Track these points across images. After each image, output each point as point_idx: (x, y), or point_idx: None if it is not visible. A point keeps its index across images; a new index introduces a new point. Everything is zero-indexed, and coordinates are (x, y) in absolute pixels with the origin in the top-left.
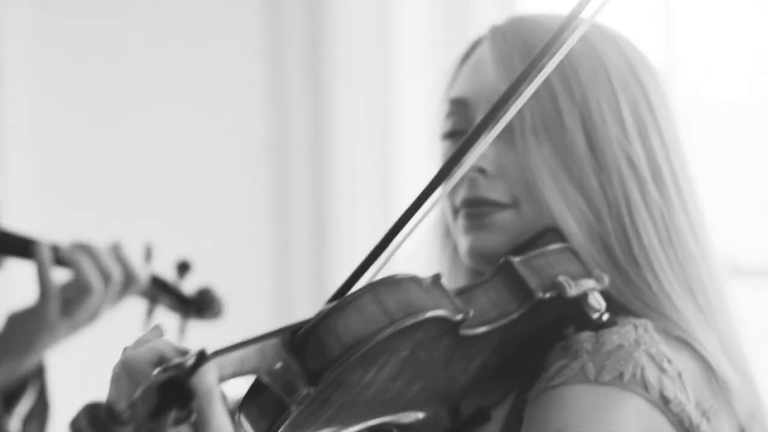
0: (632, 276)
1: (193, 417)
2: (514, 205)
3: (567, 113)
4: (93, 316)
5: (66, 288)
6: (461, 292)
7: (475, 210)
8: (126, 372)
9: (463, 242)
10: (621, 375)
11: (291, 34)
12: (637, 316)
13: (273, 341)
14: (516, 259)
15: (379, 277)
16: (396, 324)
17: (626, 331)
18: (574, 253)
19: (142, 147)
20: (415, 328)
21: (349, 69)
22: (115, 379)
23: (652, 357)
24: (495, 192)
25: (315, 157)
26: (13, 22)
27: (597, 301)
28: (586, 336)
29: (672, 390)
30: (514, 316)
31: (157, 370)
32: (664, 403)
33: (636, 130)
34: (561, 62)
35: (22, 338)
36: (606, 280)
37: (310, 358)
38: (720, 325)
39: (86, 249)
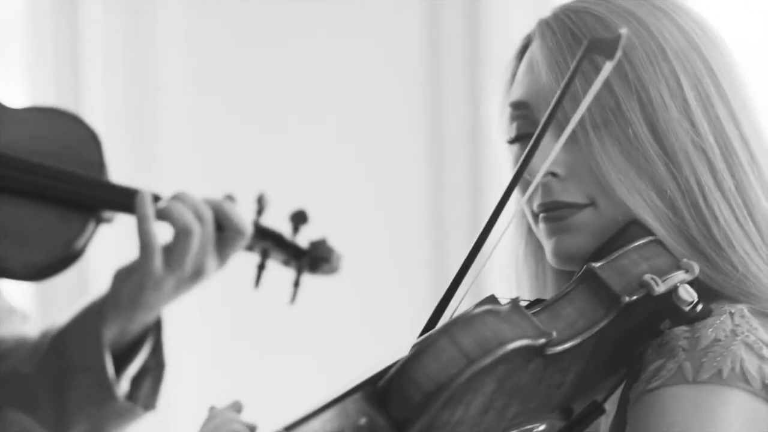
0: (717, 260)
1: None
2: (592, 204)
3: (625, 102)
4: (198, 269)
5: (169, 243)
6: (545, 307)
7: (553, 214)
8: None
9: (548, 246)
10: (720, 372)
11: (449, 34)
12: (732, 300)
13: (354, 397)
14: (598, 265)
15: (466, 298)
16: (474, 363)
17: (722, 322)
18: (660, 245)
19: (301, 148)
20: (497, 363)
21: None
22: None
23: (750, 346)
24: (570, 194)
25: (472, 155)
26: (168, 24)
27: (688, 293)
28: (681, 331)
29: None
30: (603, 323)
31: None
32: (767, 392)
33: (701, 106)
34: None
35: (129, 294)
36: (696, 268)
37: (394, 410)
38: None
39: (181, 196)
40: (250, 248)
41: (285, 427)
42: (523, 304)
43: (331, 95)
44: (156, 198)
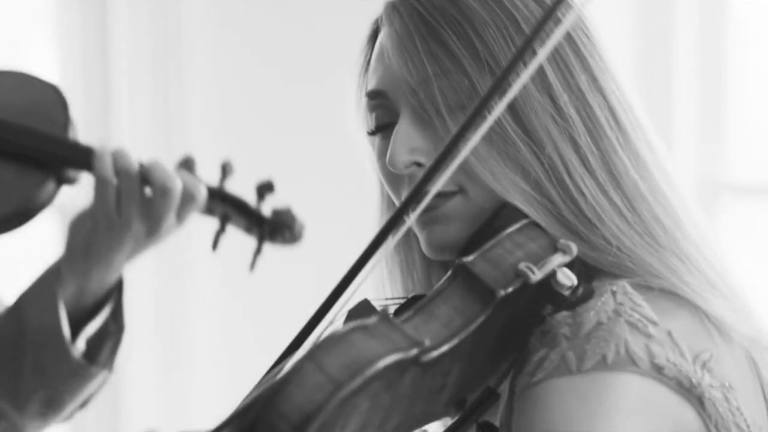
0: (591, 237)
1: None
2: (461, 191)
3: (479, 83)
4: (153, 227)
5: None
6: (418, 310)
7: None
8: None
9: (422, 238)
10: (604, 357)
11: None
12: (613, 276)
13: None
14: (470, 259)
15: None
16: (342, 388)
17: (604, 303)
18: (536, 227)
19: (327, 148)
20: (367, 384)
21: None
22: None
23: (634, 326)
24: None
25: None
26: (193, 20)
27: (567, 277)
28: (563, 317)
29: (663, 355)
30: (480, 320)
31: None
32: (657, 371)
33: (560, 78)
34: (457, 21)
35: (82, 243)
36: (574, 249)
37: None
38: (694, 256)
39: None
40: (209, 212)
41: None
42: (395, 307)
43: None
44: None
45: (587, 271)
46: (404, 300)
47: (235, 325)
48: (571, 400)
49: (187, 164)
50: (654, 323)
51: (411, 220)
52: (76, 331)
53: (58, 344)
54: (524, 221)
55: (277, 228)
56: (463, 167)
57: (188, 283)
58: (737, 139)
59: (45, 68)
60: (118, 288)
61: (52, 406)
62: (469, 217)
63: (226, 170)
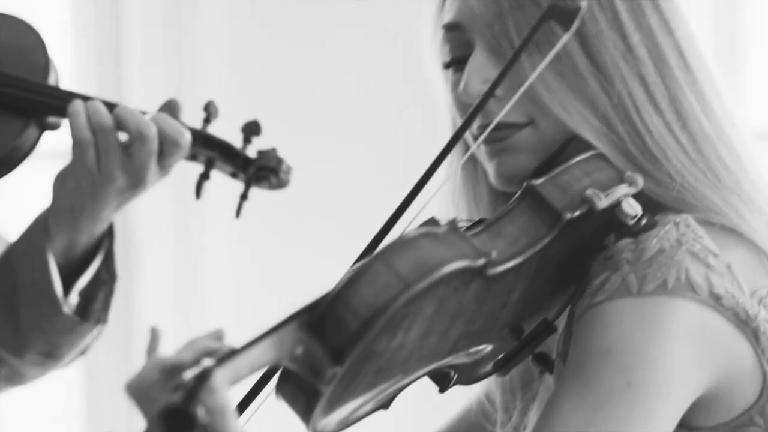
0: (655, 173)
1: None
2: (531, 123)
3: None
4: (137, 178)
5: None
6: (486, 228)
7: (493, 134)
8: (134, 398)
9: (490, 168)
10: (665, 282)
11: None
12: (677, 212)
13: (290, 327)
14: (538, 182)
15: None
16: (411, 287)
17: (666, 232)
18: (603, 159)
19: (338, 97)
20: (434, 286)
21: None
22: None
23: (695, 255)
24: (509, 114)
25: None
26: (208, 18)
27: (632, 207)
28: (625, 244)
29: (721, 285)
30: (546, 241)
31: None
32: (715, 300)
33: (632, 18)
34: None
35: (66, 200)
36: (639, 181)
37: (330, 338)
38: (754, 196)
39: (114, 105)
40: (193, 158)
41: (218, 359)
42: (463, 225)
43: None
44: (88, 99)
45: (651, 206)
46: (470, 222)
47: (249, 272)
48: (630, 321)
49: (169, 107)
50: (714, 255)
51: (478, 143)
52: (69, 284)
53: (50, 301)
54: (592, 152)
55: (262, 171)
56: (534, 99)
57: (204, 231)
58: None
59: (56, 17)
60: (108, 236)
61: (50, 357)
62: (538, 148)
63: (209, 112)
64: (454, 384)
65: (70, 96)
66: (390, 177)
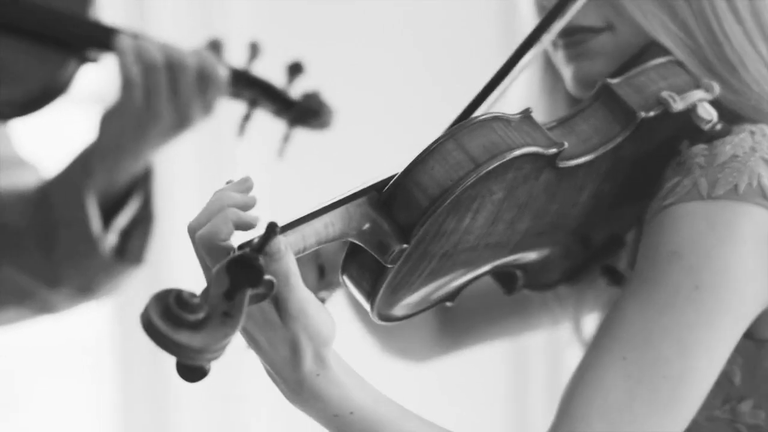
0: (732, 81)
1: (273, 292)
2: (609, 27)
3: None
4: (182, 115)
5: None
6: (560, 123)
7: (572, 39)
8: (202, 248)
9: (567, 73)
10: (736, 187)
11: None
12: (753, 122)
13: (358, 201)
14: (614, 81)
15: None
16: (481, 167)
17: (741, 139)
18: (680, 65)
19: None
20: (504, 169)
21: None
22: (196, 255)
23: None
24: (588, 18)
25: None
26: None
27: (707, 111)
28: (698, 149)
29: None
30: (619, 139)
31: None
32: None
33: None
34: None
35: (112, 137)
36: (716, 88)
37: (398, 214)
38: None
39: (157, 42)
40: (237, 96)
41: (285, 225)
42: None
43: None
44: (135, 37)
45: (727, 114)
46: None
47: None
48: (700, 224)
49: (214, 46)
50: None
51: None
52: (105, 222)
53: (88, 239)
54: (669, 58)
55: (306, 113)
56: (613, 2)
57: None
58: None
59: None
60: (147, 177)
61: (84, 291)
62: (616, 53)
63: (254, 51)
64: (520, 288)
65: (113, 31)
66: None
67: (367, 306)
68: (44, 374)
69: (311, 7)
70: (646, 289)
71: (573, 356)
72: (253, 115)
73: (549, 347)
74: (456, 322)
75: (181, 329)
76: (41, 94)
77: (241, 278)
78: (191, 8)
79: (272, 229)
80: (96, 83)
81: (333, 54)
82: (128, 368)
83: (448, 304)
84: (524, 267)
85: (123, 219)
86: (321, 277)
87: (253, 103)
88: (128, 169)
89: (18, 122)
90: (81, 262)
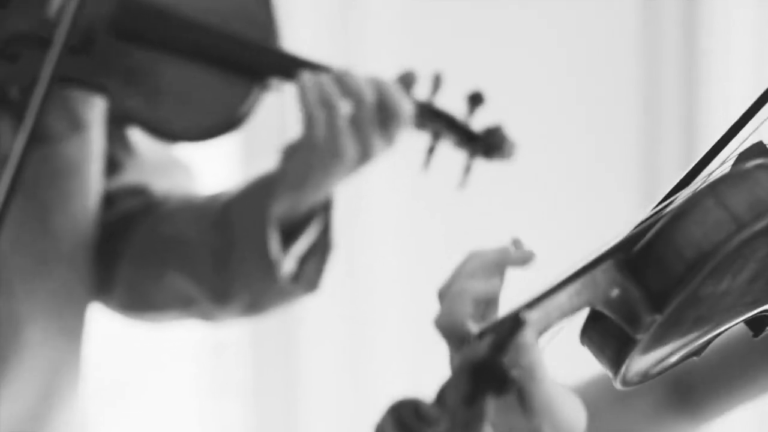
0: None
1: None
2: None
3: None
4: (364, 149)
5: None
6: None
7: None
8: (443, 332)
9: None
10: None
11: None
12: None
13: (603, 266)
14: None
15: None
16: (746, 229)
17: None
18: None
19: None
20: None
21: (726, 64)
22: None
23: None
24: None
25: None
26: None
27: None
28: None
29: None
30: None
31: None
32: None
33: None
34: None
35: (296, 171)
36: None
37: (651, 281)
38: None
39: (343, 74)
40: (421, 127)
41: (526, 304)
42: None
43: None
44: (320, 69)
45: None
46: None
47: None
48: None
49: (406, 79)
50: None
51: None
52: (284, 245)
53: (265, 264)
54: None
55: (489, 148)
56: None
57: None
58: None
59: None
60: (327, 205)
61: (251, 309)
62: None
63: (437, 83)
64: None
65: (296, 61)
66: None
67: (610, 374)
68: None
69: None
70: None
71: None
72: (438, 148)
73: None
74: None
75: None
76: (224, 123)
77: (483, 385)
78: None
79: (519, 322)
80: None
81: (511, 84)
82: (259, 362)
83: (695, 358)
84: None
85: (301, 245)
86: None
87: (436, 136)
88: (311, 199)
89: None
90: (255, 283)
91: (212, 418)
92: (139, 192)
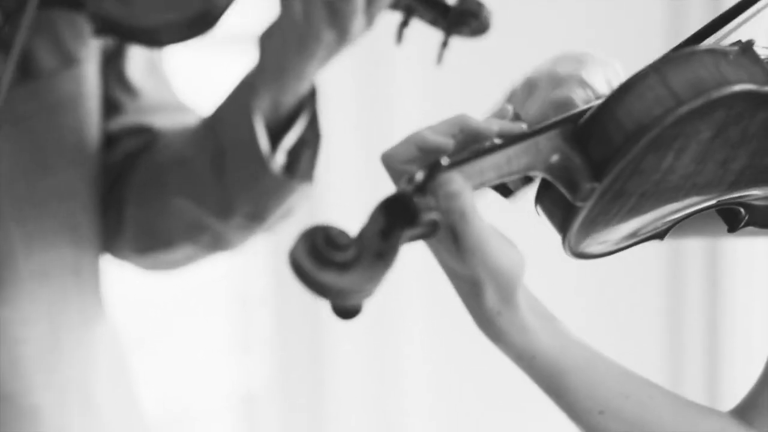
0: None
1: (438, 232)
2: None
3: None
4: (342, 29)
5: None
6: None
7: None
8: (386, 168)
9: None
10: None
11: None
12: None
13: (549, 134)
14: None
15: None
16: (683, 106)
17: None
18: None
19: None
20: (712, 108)
21: None
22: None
23: None
24: None
25: None
26: None
27: None
28: None
29: None
30: None
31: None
32: None
33: None
34: None
35: (274, 57)
36: None
37: (591, 149)
38: None
39: None
40: (394, 6)
41: (455, 160)
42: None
43: None
44: None
45: None
46: None
47: None
48: None
49: None
50: None
51: None
52: (273, 144)
53: (257, 160)
54: None
55: (462, 16)
56: None
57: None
58: None
59: None
60: (312, 96)
61: (255, 219)
62: None
63: None
64: (745, 225)
65: None
66: None
67: (561, 237)
68: (191, 314)
69: None
70: None
71: None
72: (410, 22)
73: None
74: None
75: (327, 269)
76: (204, 13)
77: (397, 218)
78: None
79: (434, 167)
80: (248, 23)
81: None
82: (282, 312)
83: (657, 241)
84: (748, 206)
85: (290, 139)
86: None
87: (409, 11)
88: (293, 88)
89: (174, 48)
90: (251, 184)
91: (238, 372)
92: (142, 131)
